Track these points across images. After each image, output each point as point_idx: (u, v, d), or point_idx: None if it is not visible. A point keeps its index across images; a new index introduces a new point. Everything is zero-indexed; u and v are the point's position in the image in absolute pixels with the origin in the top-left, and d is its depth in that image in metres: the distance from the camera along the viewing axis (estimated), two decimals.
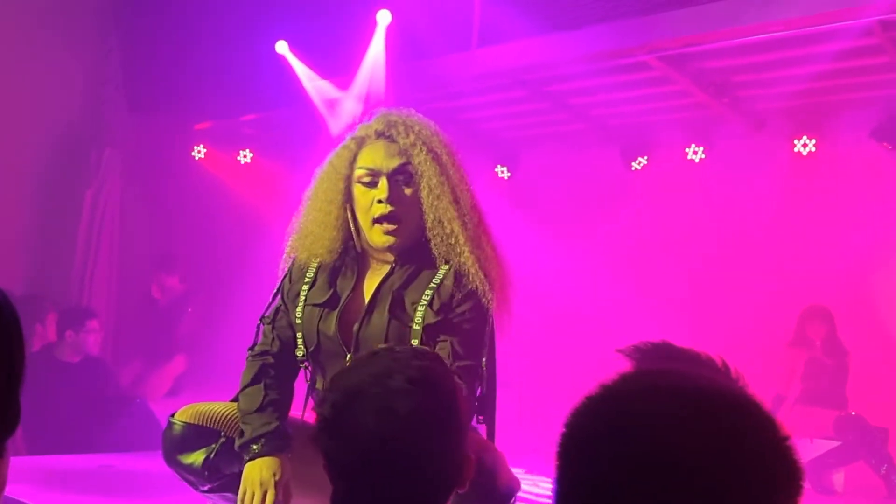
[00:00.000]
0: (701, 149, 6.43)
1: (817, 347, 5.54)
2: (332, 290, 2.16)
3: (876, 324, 5.85)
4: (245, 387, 2.19)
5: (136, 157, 7.12)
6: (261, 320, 2.29)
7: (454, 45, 5.70)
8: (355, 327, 2.10)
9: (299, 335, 2.18)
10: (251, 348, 2.26)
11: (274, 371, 2.19)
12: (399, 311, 2.09)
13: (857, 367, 5.50)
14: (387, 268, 2.15)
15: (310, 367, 2.23)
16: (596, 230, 6.85)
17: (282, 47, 6.23)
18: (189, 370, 6.76)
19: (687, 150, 6.47)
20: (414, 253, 2.13)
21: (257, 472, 2.03)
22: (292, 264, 2.27)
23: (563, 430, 0.85)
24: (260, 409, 2.11)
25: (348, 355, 2.10)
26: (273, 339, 2.23)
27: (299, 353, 2.19)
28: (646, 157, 6.72)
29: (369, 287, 2.15)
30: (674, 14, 4.93)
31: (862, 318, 5.75)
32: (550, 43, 5.36)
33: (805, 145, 6.06)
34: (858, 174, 5.93)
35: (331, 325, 2.12)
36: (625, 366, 0.95)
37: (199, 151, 7.40)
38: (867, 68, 5.32)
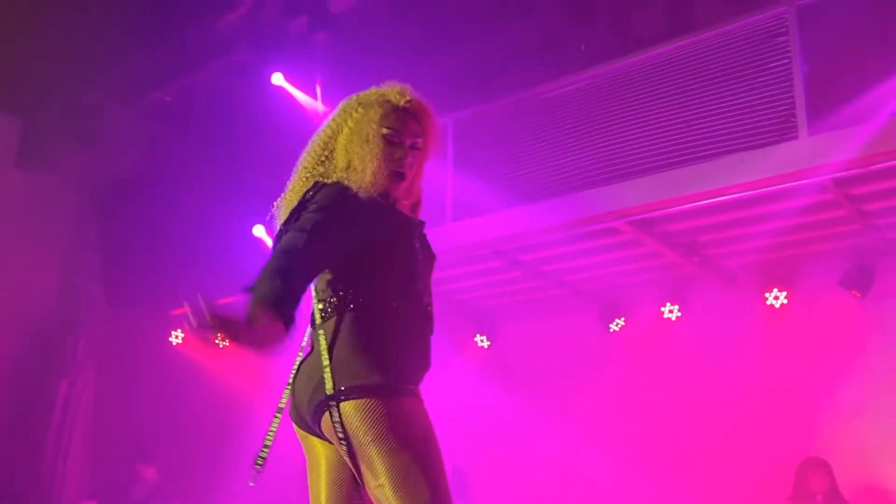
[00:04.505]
0: (676, 307, 6.51)
1: (818, 501, 5.37)
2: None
3: (863, 473, 5.71)
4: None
5: (112, 345, 7.05)
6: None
7: (429, 219, 5.85)
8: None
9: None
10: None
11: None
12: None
13: None
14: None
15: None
16: (579, 393, 6.77)
17: (259, 231, 6.38)
18: None
19: (663, 308, 6.54)
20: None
21: None
22: (350, 197, 2.23)
23: None
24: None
25: None
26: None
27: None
28: (623, 319, 6.77)
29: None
30: (639, 181, 5.14)
31: (846, 468, 5.61)
32: (521, 214, 5.54)
33: (777, 298, 6.16)
34: (831, 323, 6.00)
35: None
36: None
37: (176, 336, 7.35)
38: (828, 221, 5.51)
